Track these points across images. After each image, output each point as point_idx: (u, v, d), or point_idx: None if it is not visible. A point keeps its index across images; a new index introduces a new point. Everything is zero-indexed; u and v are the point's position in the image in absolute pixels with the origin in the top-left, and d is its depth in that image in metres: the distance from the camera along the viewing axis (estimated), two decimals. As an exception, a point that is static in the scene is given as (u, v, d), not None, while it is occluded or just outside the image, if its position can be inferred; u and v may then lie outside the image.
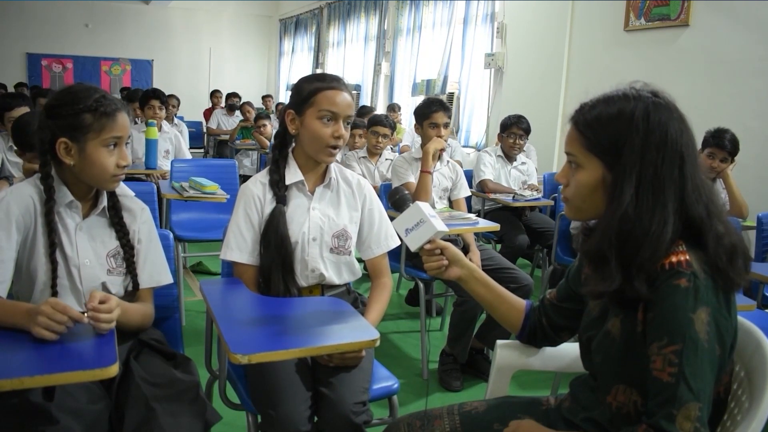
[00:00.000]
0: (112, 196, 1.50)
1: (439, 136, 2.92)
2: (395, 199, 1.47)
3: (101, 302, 1.23)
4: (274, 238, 1.63)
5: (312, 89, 1.63)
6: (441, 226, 1.32)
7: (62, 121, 1.36)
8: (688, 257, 0.98)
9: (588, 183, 1.07)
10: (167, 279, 1.56)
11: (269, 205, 1.67)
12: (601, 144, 1.04)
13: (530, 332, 1.34)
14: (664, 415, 0.92)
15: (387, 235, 1.79)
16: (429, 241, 1.33)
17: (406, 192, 1.48)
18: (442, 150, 3.00)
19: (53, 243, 1.37)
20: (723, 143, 3.23)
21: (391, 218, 1.52)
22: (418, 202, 1.35)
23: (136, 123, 4.24)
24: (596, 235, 1.05)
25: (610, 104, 1.06)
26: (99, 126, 1.36)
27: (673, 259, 0.98)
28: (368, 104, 8.24)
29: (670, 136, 1.01)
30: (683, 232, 1.01)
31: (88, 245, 1.44)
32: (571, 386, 1.25)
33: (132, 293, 1.49)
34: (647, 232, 0.99)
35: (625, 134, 1.02)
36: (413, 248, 1.34)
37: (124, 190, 1.54)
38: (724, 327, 0.98)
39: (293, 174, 1.69)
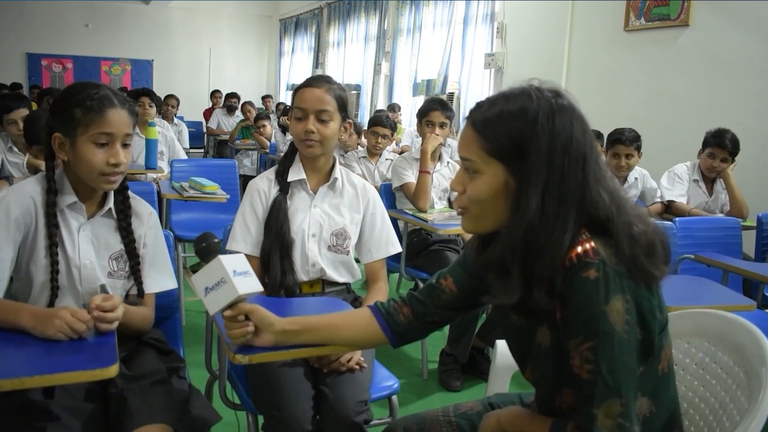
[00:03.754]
0: (125, 199, 1.46)
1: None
2: (201, 248, 1.21)
3: (104, 301, 1.24)
4: (275, 224, 1.68)
5: (293, 92, 1.74)
6: (247, 288, 1.12)
7: (57, 116, 1.37)
8: (593, 244, 0.93)
9: (489, 190, 0.98)
10: (172, 284, 1.54)
11: (274, 198, 1.72)
12: (504, 146, 0.96)
13: (401, 334, 1.23)
14: (585, 415, 0.91)
15: (388, 240, 1.81)
16: (230, 306, 1.12)
17: (216, 240, 1.23)
18: (440, 145, 3.02)
19: (52, 236, 1.35)
20: (724, 143, 3.24)
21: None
22: (221, 256, 1.12)
23: None
24: (499, 245, 0.98)
25: (511, 103, 0.98)
26: (87, 121, 1.33)
27: (579, 249, 0.93)
28: (368, 104, 8.25)
29: (575, 138, 0.95)
30: (588, 224, 0.95)
31: (90, 246, 1.42)
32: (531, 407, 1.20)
33: (135, 298, 1.47)
34: (549, 240, 0.93)
35: (530, 136, 0.95)
36: (212, 312, 1.13)
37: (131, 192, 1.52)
38: (646, 308, 0.94)
39: (296, 172, 1.75)
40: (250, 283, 1.13)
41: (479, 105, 1.02)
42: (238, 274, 1.12)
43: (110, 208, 1.45)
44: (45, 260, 1.36)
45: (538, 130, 0.94)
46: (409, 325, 1.23)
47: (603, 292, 0.90)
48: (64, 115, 1.35)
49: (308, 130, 1.66)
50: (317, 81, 1.71)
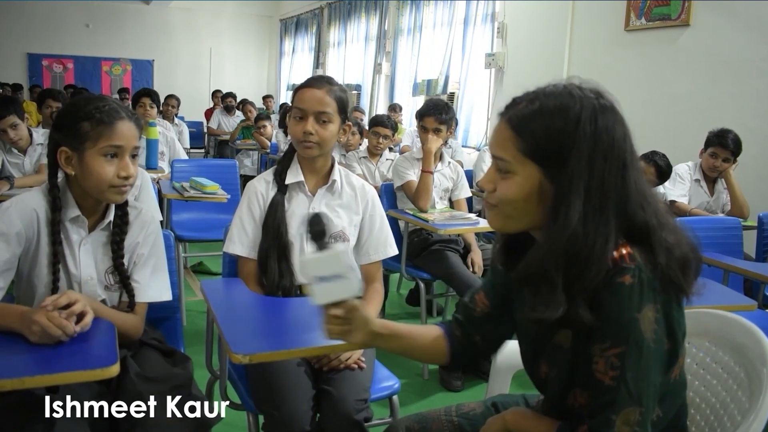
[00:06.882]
0: (125, 215, 1.44)
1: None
2: (315, 230, 1.08)
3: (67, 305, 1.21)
4: (272, 225, 1.67)
5: (293, 92, 1.73)
6: (360, 285, 1.06)
7: (63, 130, 1.35)
8: (630, 250, 0.91)
9: (521, 192, 0.94)
10: (165, 296, 1.50)
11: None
12: (541, 147, 0.92)
13: (460, 356, 1.20)
14: (602, 420, 0.90)
15: (386, 242, 1.80)
16: (341, 302, 1.05)
17: (325, 225, 1.09)
18: (442, 145, 3.02)
19: (56, 254, 1.35)
20: (726, 143, 3.24)
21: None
22: (340, 251, 1.05)
23: None
24: (538, 255, 0.94)
25: (551, 101, 0.93)
26: (96, 134, 1.32)
27: (615, 254, 0.91)
28: (368, 104, 8.25)
29: (616, 142, 0.92)
30: (627, 235, 0.93)
31: (91, 261, 1.41)
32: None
33: (125, 306, 1.44)
34: (592, 251, 0.89)
35: (571, 138, 0.90)
36: (318, 302, 1.05)
37: (132, 201, 1.51)
38: (675, 319, 0.93)
39: (294, 174, 1.73)
40: (359, 279, 1.07)
41: (516, 101, 0.97)
42: (352, 270, 1.06)
43: (110, 222, 1.43)
44: (46, 274, 1.36)
45: (580, 132, 0.90)
46: (461, 347, 1.19)
47: (637, 299, 0.89)
48: (72, 129, 1.33)
49: (307, 132, 1.64)
50: (318, 82, 1.69)
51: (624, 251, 0.91)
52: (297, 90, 1.71)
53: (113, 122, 1.33)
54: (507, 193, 0.95)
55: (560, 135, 0.91)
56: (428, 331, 1.21)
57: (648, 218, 0.93)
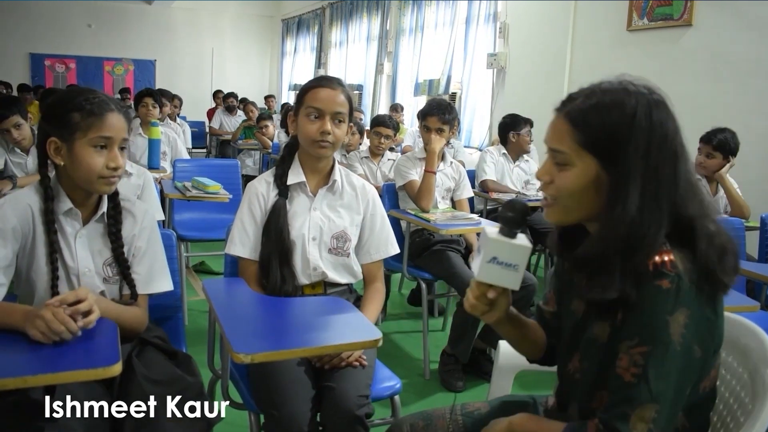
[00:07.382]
0: (116, 205, 1.45)
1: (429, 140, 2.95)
2: (511, 217, 1.06)
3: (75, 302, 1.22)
4: (274, 229, 1.66)
5: (302, 90, 1.70)
6: (520, 283, 1.07)
7: (53, 120, 1.35)
8: (672, 257, 0.94)
9: (580, 183, 0.98)
10: (166, 286, 1.52)
11: (273, 202, 1.70)
12: (599, 139, 0.96)
13: (550, 356, 1.24)
14: (618, 414, 0.91)
15: (387, 241, 1.80)
16: (498, 288, 1.07)
17: (523, 217, 1.08)
18: (444, 145, 3.02)
19: (52, 243, 1.35)
20: (709, 138, 3.22)
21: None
22: (529, 246, 1.05)
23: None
24: (598, 241, 0.98)
25: (608, 96, 0.98)
26: (86, 125, 1.33)
27: (657, 259, 0.94)
28: (370, 104, 8.25)
29: (669, 135, 0.96)
30: (670, 231, 0.97)
31: (87, 253, 1.42)
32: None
33: (128, 299, 1.45)
34: (646, 236, 0.94)
35: (627, 130, 0.95)
36: (479, 277, 1.06)
37: (127, 194, 1.51)
38: (706, 328, 0.94)
39: (296, 175, 1.73)
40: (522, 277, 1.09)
41: (572, 97, 1.01)
42: (524, 266, 1.07)
43: (103, 213, 1.44)
44: (45, 268, 1.36)
45: (636, 125, 0.95)
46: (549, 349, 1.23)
47: (671, 303, 0.91)
48: (62, 119, 1.34)
49: (326, 131, 1.64)
50: (331, 82, 1.69)
51: (666, 258, 0.94)
52: (309, 89, 1.69)
53: (103, 113, 1.34)
54: (566, 184, 0.99)
55: (617, 128, 0.95)
56: (536, 325, 1.24)
57: (693, 207, 0.97)
